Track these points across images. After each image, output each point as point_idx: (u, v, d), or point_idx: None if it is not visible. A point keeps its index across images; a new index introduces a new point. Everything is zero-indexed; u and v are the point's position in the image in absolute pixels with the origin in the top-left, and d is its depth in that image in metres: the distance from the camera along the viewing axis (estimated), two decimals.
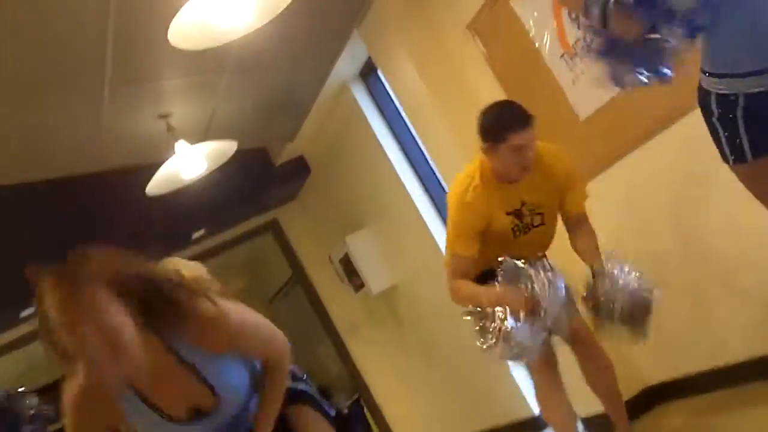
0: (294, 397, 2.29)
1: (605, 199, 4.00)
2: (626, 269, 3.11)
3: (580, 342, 3.35)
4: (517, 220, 3.28)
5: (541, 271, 3.03)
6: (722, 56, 1.98)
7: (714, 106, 2.03)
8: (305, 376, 2.47)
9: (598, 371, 3.40)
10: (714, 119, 2.05)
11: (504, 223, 3.26)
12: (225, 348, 2.11)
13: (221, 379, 2.11)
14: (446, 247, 3.36)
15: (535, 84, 4.05)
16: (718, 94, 2.01)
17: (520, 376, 5.11)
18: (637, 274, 3.10)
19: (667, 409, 4.03)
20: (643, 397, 4.16)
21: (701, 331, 3.75)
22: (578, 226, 3.41)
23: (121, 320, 1.87)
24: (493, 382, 5.38)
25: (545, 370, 3.37)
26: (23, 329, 6.33)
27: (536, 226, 3.33)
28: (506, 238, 3.28)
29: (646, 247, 3.87)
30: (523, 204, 3.27)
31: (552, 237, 3.46)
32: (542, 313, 2.97)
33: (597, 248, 3.32)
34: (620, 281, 3.08)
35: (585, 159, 3.95)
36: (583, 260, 3.32)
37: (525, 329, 2.98)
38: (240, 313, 2.13)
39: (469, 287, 3.22)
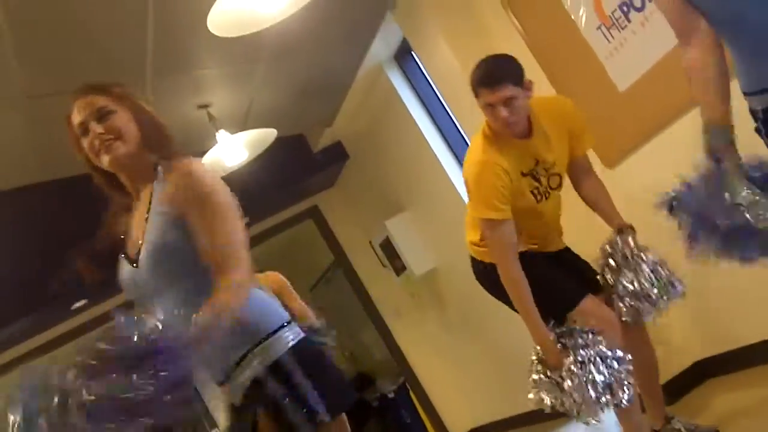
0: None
1: (647, 173, 3.98)
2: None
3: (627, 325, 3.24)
4: (536, 182, 3.19)
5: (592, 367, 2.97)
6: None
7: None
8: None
9: (643, 349, 3.31)
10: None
11: (522, 185, 3.15)
12: (177, 205, 2.13)
13: (151, 232, 2.15)
14: (482, 224, 3.18)
15: (572, 57, 4.03)
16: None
17: None
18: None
19: (716, 384, 4.02)
20: (691, 372, 4.14)
21: (748, 303, 3.72)
22: (587, 174, 3.39)
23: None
24: None
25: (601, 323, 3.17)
26: (76, 321, 6.46)
27: (554, 189, 3.26)
28: (528, 204, 3.19)
29: None
30: (537, 162, 3.17)
31: (560, 208, 3.40)
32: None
33: (612, 203, 3.31)
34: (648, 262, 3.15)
35: (626, 131, 3.94)
36: (600, 213, 3.33)
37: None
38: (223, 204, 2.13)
39: (528, 302, 3.10)
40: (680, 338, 4.07)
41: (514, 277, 3.11)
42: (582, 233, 3.55)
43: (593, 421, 3.01)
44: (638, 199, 4.05)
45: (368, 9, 4.79)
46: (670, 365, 3.99)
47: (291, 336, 2.16)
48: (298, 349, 2.14)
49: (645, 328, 3.32)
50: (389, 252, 6.51)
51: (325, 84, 5.50)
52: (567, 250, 3.41)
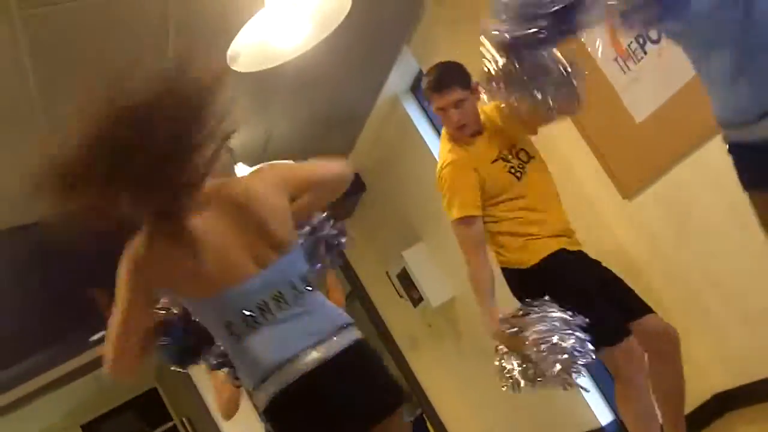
0: None
1: (665, 204, 3.98)
2: None
3: (666, 341, 3.24)
4: (508, 163, 3.32)
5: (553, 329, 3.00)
6: None
7: None
8: None
9: (674, 378, 3.27)
10: None
11: (497, 170, 3.30)
12: None
13: None
14: (458, 224, 3.28)
15: (588, 88, 4.03)
16: None
17: (587, 386, 5.09)
18: None
19: (736, 418, 3.98)
20: (711, 405, 4.10)
21: None
22: None
23: None
24: (558, 393, 5.33)
25: (631, 368, 3.18)
26: (94, 353, 6.47)
27: (527, 162, 3.37)
28: (512, 183, 3.30)
29: (710, 249, 3.83)
30: (499, 150, 3.33)
31: (550, 176, 3.45)
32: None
33: None
34: None
35: (644, 162, 3.94)
36: None
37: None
38: None
39: (482, 285, 3.22)
40: (700, 370, 4.04)
41: (482, 275, 3.23)
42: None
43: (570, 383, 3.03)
44: (656, 230, 4.07)
45: (385, 42, 4.83)
46: (690, 397, 3.94)
47: (264, 395, 2.16)
48: (269, 411, 2.16)
49: (678, 359, 3.28)
50: (406, 283, 6.50)
51: (342, 116, 5.54)
52: (607, 269, 3.39)
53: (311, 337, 2.15)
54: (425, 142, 5.63)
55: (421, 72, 5.24)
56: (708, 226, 3.79)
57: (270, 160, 4.99)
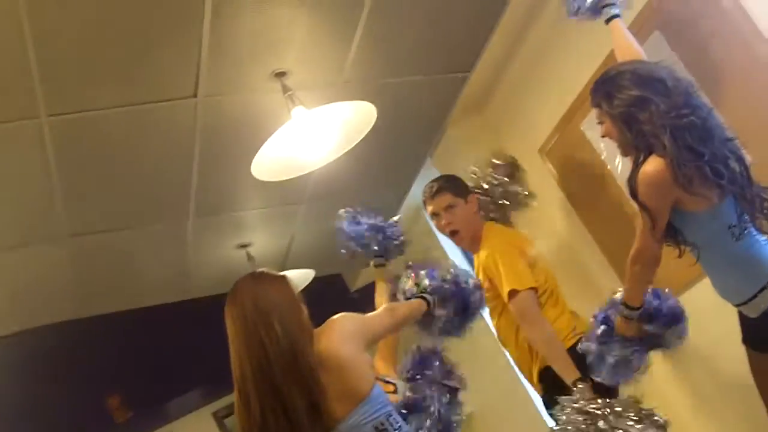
0: None
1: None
2: None
3: None
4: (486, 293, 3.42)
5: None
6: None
7: None
8: None
9: None
10: None
11: None
12: None
13: None
14: (525, 298, 3.42)
15: (608, 206, 4.05)
16: None
17: None
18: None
19: None
20: None
21: None
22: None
23: None
24: None
25: None
26: None
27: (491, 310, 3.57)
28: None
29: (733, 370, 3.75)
30: (489, 280, 3.47)
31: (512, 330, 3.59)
32: None
33: None
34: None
35: (664, 280, 3.90)
36: None
37: None
38: None
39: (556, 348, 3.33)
40: None
41: (540, 327, 3.43)
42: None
43: None
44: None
45: (408, 154, 4.90)
46: None
47: None
48: None
49: None
50: None
51: None
52: None
53: None
54: (446, 253, 5.62)
55: None
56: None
57: (292, 267, 5.02)
